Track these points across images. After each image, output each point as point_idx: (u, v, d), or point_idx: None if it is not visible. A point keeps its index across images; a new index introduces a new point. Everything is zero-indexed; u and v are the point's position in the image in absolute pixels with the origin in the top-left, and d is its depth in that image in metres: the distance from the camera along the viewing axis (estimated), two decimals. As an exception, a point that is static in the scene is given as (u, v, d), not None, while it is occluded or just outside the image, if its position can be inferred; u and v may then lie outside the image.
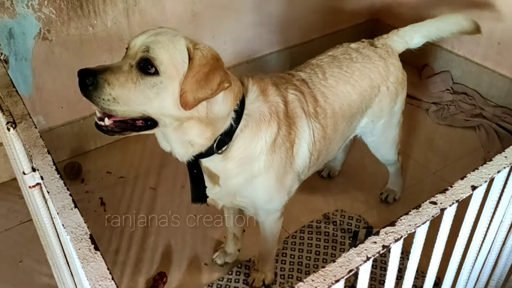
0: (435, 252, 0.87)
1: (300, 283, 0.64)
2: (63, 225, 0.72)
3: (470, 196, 0.81)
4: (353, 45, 1.66)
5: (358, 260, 0.67)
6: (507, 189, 0.92)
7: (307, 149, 1.44)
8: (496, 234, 1.01)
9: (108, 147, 2.40)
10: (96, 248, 0.69)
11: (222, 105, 1.20)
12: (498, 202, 0.91)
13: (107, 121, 1.12)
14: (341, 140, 1.63)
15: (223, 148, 1.25)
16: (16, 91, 1.03)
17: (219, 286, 1.77)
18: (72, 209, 0.75)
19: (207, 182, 1.35)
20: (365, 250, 0.68)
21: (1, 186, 2.20)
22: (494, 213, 0.93)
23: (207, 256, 1.88)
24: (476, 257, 1.02)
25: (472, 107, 2.66)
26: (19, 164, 1.03)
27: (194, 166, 1.29)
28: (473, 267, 1.04)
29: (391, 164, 2.01)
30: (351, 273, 0.66)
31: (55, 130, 2.29)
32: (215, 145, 1.23)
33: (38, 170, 0.84)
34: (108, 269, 0.66)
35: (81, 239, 0.70)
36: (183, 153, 1.25)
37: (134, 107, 1.10)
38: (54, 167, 0.82)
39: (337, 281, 0.64)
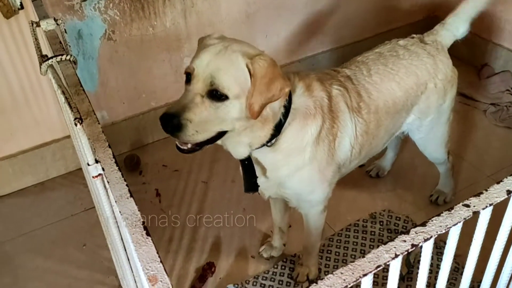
0: (470, 254, 0.88)
1: (330, 275, 0.69)
2: (120, 212, 0.80)
3: (507, 200, 0.82)
4: (401, 41, 1.66)
5: (387, 256, 0.71)
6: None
7: (348, 143, 1.49)
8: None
9: (165, 142, 2.53)
10: (148, 234, 0.77)
11: (277, 103, 1.29)
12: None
13: (189, 145, 1.26)
14: (386, 136, 1.64)
15: (273, 141, 1.33)
16: (83, 89, 1.14)
17: (264, 278, 1.84)
18: (128, 198, 0.83)
19: (257, 172, 1.43)
20: (394, 247, 0.72)
21: (68, 174, 2.38)
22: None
23: (254, 249, 1.96)
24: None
25: (533, 108, 2.55)
26: (84, 156, 1.14)
27: (246, 158, 1.38)
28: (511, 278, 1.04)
29: (441, 163, 1.99)
30: (378, 269, 0.70)
31: (117, 124, 2.45)
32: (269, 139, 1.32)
33: (100, 162, 0.93)
34: (157, 253, 0.74)
35: (135, 225, 0.78)
36: (242, 152, 1.35)
37: (212, 130, 1.23)
38: (113, 160, 0.92)
39: (365, 275, 0.68)
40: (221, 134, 1.27)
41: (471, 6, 1.69)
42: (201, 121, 1.19)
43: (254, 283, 1.82)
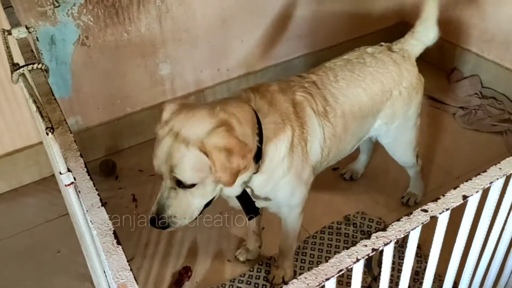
0: (431, 256, 0.92)
1: (294, 280, 0.72)
2: (91, 221, 0.82)
3: (464, 205, 0.86)
4: (369, 49, 1.71)
5: (349, 261, 0.74)
6: (505, 200, 0.96)
7: (319, 146, 1.54)
8: (497, 243, 1.05)
9: (141, 147, 2.54)
10: (118, 243, 0.79)
11: (251, 141, 1.32)
12: (496, 212, 0.95)
13: None
14: (353, 140, 1.69)
15: (257, 167, 1.38)
16: (55, 98, 1.15)
17: (240, 281, 1.86)
18: (99, 207, 0.85)
19: None
20: (356, 252, 0.75)
21: (43, 180, 2.36)
22: (492, 223, 0.98)
23: (230, 253, 1.98)
24: (477, 264, 1.07)
25: (500, 111, 2.64)
26: (57, 164, 1.15)
27: (244, 195, 1.45)
28: (474, 273, 1.09)
29: (410, 167, 2.05)
30: (340, 273, 0.73)
31: (92, 129, 2.44)
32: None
33: (71, 171, 0.94)
34: (128, 261, 0.76)
35: (106, 234, 0.79)
36: (237, 192, 1.43)
37: (198, 208, 1.33)
38: (85, 169, 0.93)
39: (327, 279, 0.72)
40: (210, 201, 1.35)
41: (433, 8, 1.74)
42: (184, 209, 1.29)
43: (231, 286, 1.84)
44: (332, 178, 2.32)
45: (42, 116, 1.09)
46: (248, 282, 1.86)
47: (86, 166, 0.94)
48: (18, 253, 1.99)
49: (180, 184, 1.26)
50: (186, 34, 2.44)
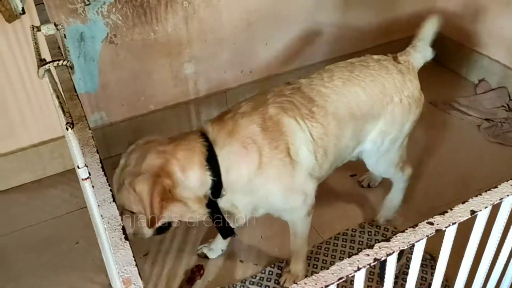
0: (437, 269, 0.92)
1: (294, 285, 0.72)
2: (101, 215, 0.84)
3: (472, 220, 0.85)
4: (375, 56, 1.72)
5: (349, 269, 0.74)
6: (517, 216, 0.94)
7: (306, 149, 1.52)
8: (507, 262, 1.03)
9: (162, 144, 2.57)
10: (126, 238, 0.81)
11: (190, 185, 1.43)
12: (507, 230, 0.94)
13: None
14: (354, 138, 1.66)
15: (223, 192, 1.47)
16: (77, 95, 1.18)
17: (251, 283, 1.88)
18: (110, 202, 0.87)
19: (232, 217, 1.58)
20: (358, 261, 0.76)
21: (66, 173, 2.43)
22: (503, 241, 0.96)
23: (242, 254, 1.99)
24: (485, 282, 1.05)
25: (527, 126, 2.57)
26: (75, 159, 1.19)
27: (210, 213, 1.52)
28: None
29: (395, 179, 2.01)
30: (340, 280, 0.73)
31: (116, 125, 2.50)
32: (211, 197, 1.47)
33: (87, 166, 0.98)
34: (133, 257, 0.78)
35: (115, 229, 0.82)
36: (195, 220, 1.55)
37: (148, 233, 1.53)
38: (100, 165, 0.96)
39: (327, 286, 0.72)
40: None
41: (429, 31, 1.78)
42: (136, 228, 1.49)
43: (241, 287, 1.86)
44: (349, 184, 2.31)
45: (63, 111, 1.13)
46: (259, 284, 1.87)
47: (101, 162, 0.97)
48: (37, 242, 2.06)
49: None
50: (211, 35, 2.47)
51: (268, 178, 1.48)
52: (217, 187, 1.45)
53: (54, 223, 2.16)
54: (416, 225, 0.80)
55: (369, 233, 2.05)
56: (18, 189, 2.34)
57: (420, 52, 1.77)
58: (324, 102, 1.56)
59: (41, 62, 1.32)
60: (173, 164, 1.40)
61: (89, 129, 1.09)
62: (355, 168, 2.38)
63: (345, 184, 2.30)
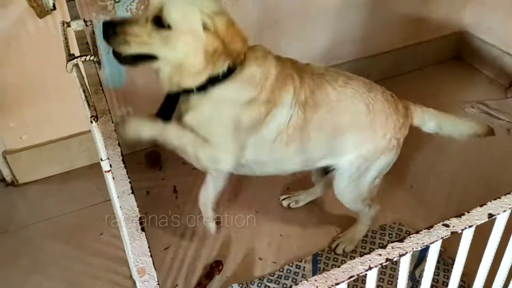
0: (453, 274, 0.90)
1: (304, 281, 0.73)
2: (120, 206, 0.87)
3: (491, 223, 0.84)
4: (389, 92, 1.67)
5: (360, 268, 0.74)
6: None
7: (276, 127, 1.50)
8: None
9: (186, 140, 2.61)
10: (143, 229, 0.83)
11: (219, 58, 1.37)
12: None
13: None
14: (325, 146, 1.61)
15: (206, 91, 1.42)
16: (102, 89, 1.22)
17: (269, 280, 1.88)
18: (129, 194, 0.90)
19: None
20: (369, 260, 0.75)
21: (92, 166, 2.48)
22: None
23: (262, 251, 2.00)
24: (506, 284, 1.03)
25: (560, 131, 2.49)
26: (99, 151, 1.23)
27: (174, 94, 1.48)
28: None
29: (360, 212, 1.94)
30: (351, 279, 0.73)
31: (142, 120, 2.54)
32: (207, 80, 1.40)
33: (109, 159, 1.00)
34: (148, 247, 0.80)
35: (132, 220, 0.84)
36: (170, 88, 1.48)
37: (143, 49, 1.37)
38: (121, 158, 0.98)
39: (337, 283, 0.72)
40: (152, 57, 1.39)
41: (451, 125, 1.71)
42: (135, 36, 1.34)
43: (259, 284, 1.87)
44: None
45: (88, 105, 1.17)
46: (277, 282, 1.88)
47: (122, 155, 1.00)
48: (63, 232, 2.12)
49: (157, 19, 1.33)
50: (237, 34, 2.48)
51: (241, 116, 1.45)
52: (211, 81, 1.41)
53: (80, 214, 2.22)
54: (431, 227, 0.80)
55: (390, 236, 2.03)
56: (47, 180, 2.41)
57: (423, 113, 1.69)
58: (322, 100, 1.53)
59: (70, 57, 1.36)
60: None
61: (112, 122, 1.12)
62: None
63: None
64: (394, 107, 1.62)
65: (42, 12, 1.54)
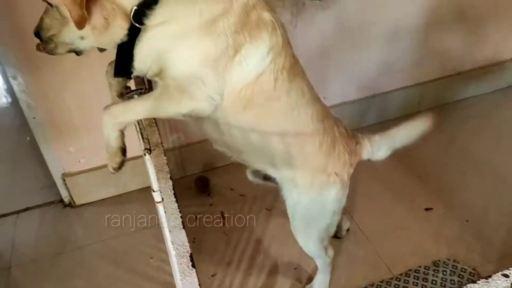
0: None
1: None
2: (171, 241, 0.89)
3: (555, 275, 0.78)
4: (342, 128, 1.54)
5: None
6: None
7: (241, 73, 1.22)
8: None
9: (234, 166, 2.59)
10: (193, 266, 0.85)
11: None
12: None
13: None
14: (275, 139, 1.39)
15: (149, 19, 1.15)
16: (155, 122, 1.27)
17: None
18: (180, 229, 0.92)
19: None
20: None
21: (145, 189, 2.55)
22: None
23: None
24: None
25: None
26: (150, 182, 1.27)
27: (124, 43, 1.21)
28: None
29: (315, 257, 1.78)
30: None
31: (192, 146, 2.61)
32: (132, 19, 1.15)
33: (161, 191, 1.04)
34: (199, 285, 0.81)
35: (183, 256, 0.86)
36: (109, 43, 1.23)
37: (63, 40, 1.22)
38: (172, 192, 1.01)
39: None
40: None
41: (403, 135, 1.57)
42: (49, 28, 1.21)
43: (306, 317, 1.83)
44: (423, 217, 2.21)
45: (142, 138, 1.21)
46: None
47: (173, 189, 1.03)
48: (115, 254, 2.19)
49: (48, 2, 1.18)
50: (286, 62, 2.51)
51: (202, 40, 1.17)
52: (145, 5, 1.15)
53: (131, 237, 2.28)
54: (490, 276, 0.76)
55: (444, 273, 1.94)
56: (102, 202, 2.51)
57: (372, 146, 1.56)
58: (292, 90, 1.34)
59: (126, 89, 1.43)
60: None
61: (164, 155, 1.16)
62: (431, 202, 2.29)
63: (418, 218, 2.21)
64: (344, 143, 1.50)
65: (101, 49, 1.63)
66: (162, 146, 1.17)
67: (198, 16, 1.15)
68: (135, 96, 1.38)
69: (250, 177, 1.78)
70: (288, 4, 2.33)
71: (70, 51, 1.25)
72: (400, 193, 2.34)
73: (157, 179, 1.08)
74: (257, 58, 1.23)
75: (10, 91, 2.20)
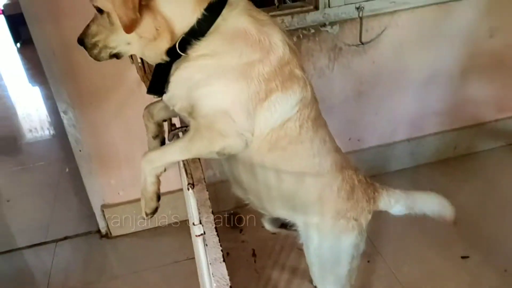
0: None
1: None
2: (212, 274, 0.93)
3: None
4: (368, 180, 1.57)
5: None
6: None
7: (270, 119, 1.27)
8: None
9: (267, 204, 2.67)
10: (232, 298, 0.88)
11: (174, 5, 1.19)
12: None
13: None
14: (292, 179, 1.42)
15: (193, 49, 1.21)
16: (198, 159, 1.33)
17: None
18: (221, 262, 0.95)
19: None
20: None
21: (178, 224, 2.61)
22: None
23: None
24: None
25: None
26: (191, 216, 1.31)
27: (162, 63, 1.27)
28: None
29: None
30: None
31: (226, 182, 2.60)
32: (177, 45, 1.20)
33: (203, 225, 1.08)
34: (238, 316, 0.84)
35: (223, 288, 0.89)
36: (156, 57, 1.26)
37: (108, 46, 1.26)
38: (214, 226, 1.06)
39: None
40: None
41: (422, 202, 1.59)
42: (99, 36, 1.25)
43: None
44: (460, 264, 2.16)
45: (186, 173, 1.28)
46: None
47: (215, 223, 1.07)
48: (148, 286, 2.22)
49: (97, 10, 1.22)
50: (322, 104, 2.54)
51: (232, 77, 1.21)
52: (193, 35, 1.19)
53: (163, 270, 2.32)
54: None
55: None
56: (137, 234, 2.57)
57: (389, 196, 1.57)
58: (316, 137, 1.39)
59: (172, 127, 1.51)
60: None
61: (207, 191, 1.21)
62: (467, 249, 2.24)
63: (454, 265, 2.16)
64: (363, 190, 1.52)
65: (151, 86, 1.73)
66: (205, 182, 1.23)
67: (237, 57, 1.20)
68: (180, 133, 1.46)
69: (266, 225, 1.81)
70: (326, 48, 2.41)
71: (112, 55, 1.29)
72: (436, 239, 2.31)
73: (199, 213, 1.12)
74: (286, 107, 1.28)
75: (59, 124, 2.34)
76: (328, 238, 1.51)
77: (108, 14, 1.20)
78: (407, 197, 1.59)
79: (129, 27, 1.16)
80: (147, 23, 1.18)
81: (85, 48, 1.29)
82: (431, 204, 1.60)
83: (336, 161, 1.46)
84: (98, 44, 1.27)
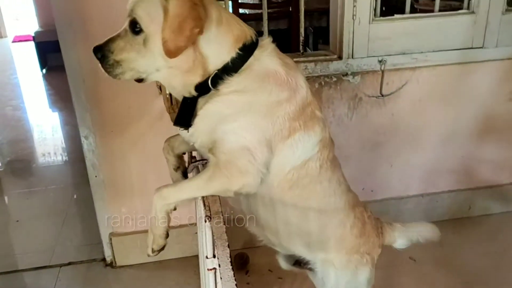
0: None
1: None
2: (226, 307, 0.91)
3: None
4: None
5: None
6: None
7: (291, 158, 1.31)
8: None
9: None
10: (244, 334, 0.86)
11: (214, 43, 1.22)
12: None
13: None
14: (314, 215, 1.46)
15: (222, 86, 1.24)
16: (222, 194, 1.33)
17: None
18: (235, 296, 0.95)
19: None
20: None
21: (183, 259, 2.59)
22: None
23: None
24: None
25: None
26: (205, 248, 1.31)
27: (190, 98, 1.28)
28: None
29: None
30: None
31: (236, 220, 2.64)
32: (210, 80, 1.23)
33: (218, 258, 1.08)
34: None
35: (237, 323, 0.88)
36: (177, 94, 1.31)
37: (133, 67, 1.23)
38: (229, 259, 1.05)
39: None
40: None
41: (417, 233, 1.67)
42: (124, 54, 1.21)
43: None
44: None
45: (204, 205, 1.28)
46: None
47: (230, 257, 1.07)
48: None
49: (131, 25, 1.20)
50: (338, 152, 2.56)
51: (260, 114, 1.24)
52: (226, 71, 1.23)
53: (167, 306, 2.28)
54: None
55: None
56: (141, 266, 2.54)
57: (393, 231, 1.65)
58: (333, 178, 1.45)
59: (192, 159, 1.53)
60: (213, 10, 1.21)
61: (223, 224, 1.21)
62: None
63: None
64: (372, 225, 1.59)
65: (175, 119, 1.77)
66: (222, 215, 1.23)
67: (267, 95, 1.24)
68: (200, 166, 1.48)
69: (281, 263, 1.80)
70: (346, 97, 2.45)
71: (137, 79, 1.27)
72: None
73: (215, 246, 1.12)
74: (307, 146, 1.32)
75: (74, 150, 2.38)
76: (345, 273, 1.55)
77: (146, 36, 1.19)
78: (406, 229, 1.67)
79: (173, 54, 1.16)
80: (187, 55, 1.20)
81: (102, 62, 1.24)
82: (425, 232, 1.68)
83: (349, 200, 1.52)
84: (122, 63, 1.23)
